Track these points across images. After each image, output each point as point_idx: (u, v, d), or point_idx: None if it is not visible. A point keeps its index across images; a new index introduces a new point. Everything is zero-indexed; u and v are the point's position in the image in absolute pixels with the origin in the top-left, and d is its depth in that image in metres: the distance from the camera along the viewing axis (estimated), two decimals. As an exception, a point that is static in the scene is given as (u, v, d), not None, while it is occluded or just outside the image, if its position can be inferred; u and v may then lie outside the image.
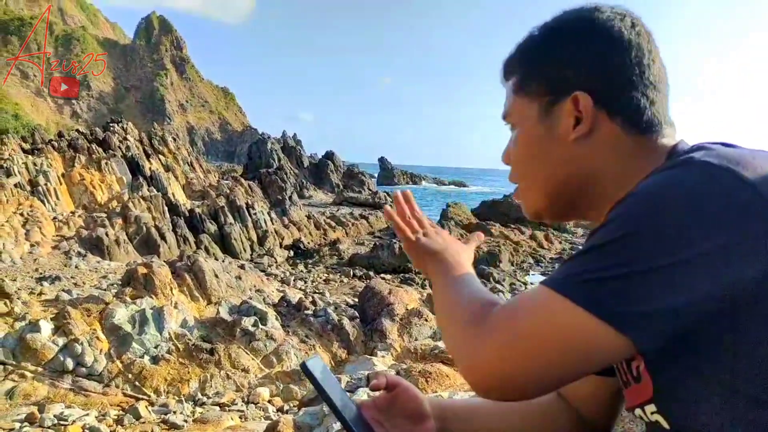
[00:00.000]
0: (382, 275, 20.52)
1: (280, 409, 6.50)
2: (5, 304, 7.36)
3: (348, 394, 1.03)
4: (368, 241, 27.76)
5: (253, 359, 7.37)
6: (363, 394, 3.30)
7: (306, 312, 8.92)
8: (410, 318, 8.67)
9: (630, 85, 0.78)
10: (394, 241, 22.58)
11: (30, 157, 24.39)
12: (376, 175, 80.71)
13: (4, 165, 21.85)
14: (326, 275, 20.31)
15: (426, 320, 8.59)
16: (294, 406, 6.61)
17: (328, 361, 8.02)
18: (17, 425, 4.86)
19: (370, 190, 47.69)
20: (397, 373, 3.70)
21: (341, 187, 48.66)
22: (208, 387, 6.76)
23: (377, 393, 1.04)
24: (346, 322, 8.46)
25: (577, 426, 1.00)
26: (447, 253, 0.93)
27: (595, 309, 0.62)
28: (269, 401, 6.70)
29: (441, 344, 4.81)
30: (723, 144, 0.74)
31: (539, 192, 0.88)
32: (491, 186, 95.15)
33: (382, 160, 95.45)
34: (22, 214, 17.87)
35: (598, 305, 0.63)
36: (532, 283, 19.75)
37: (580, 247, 0.74)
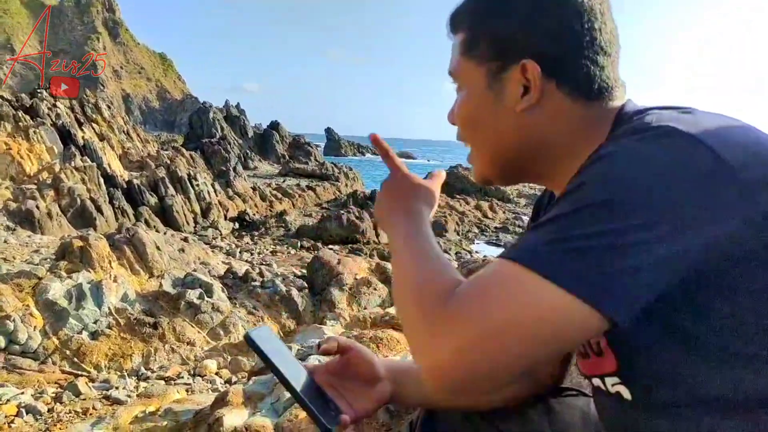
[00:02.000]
0: (330, 246, 20.49)
1: (228, 381, 6.43)
2: (-75, 281, 6.89)
3: (299, 361, 1.00)
4: (315, 213, 27.57)
5: (199, 332, 7.23)
6: (314, 361, 3.29)
7: (253, 283, 8.80)
8: (359, 287, 8.71)
9: (580, 52, 0.76)
10: (342, 212, 22.54)
11: (-53, 124, 22.58)
12: (322, 145, 79.81)
13: None
14: (273, 247, 20.09)
15: (375, 289, 8.66)
16: (242, 378, 6.55)
17: (277, 332, 7.97)
18: (-56, 407, 4.60)
19: (317, 161, 47.18)
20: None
21: (287, 158, 47.90)
22: (152, 361, 6.60)
23: (329, 358, 1.02)
24: (294, 292, 8.41)
25: (527, 384, 0.98)
26: (418, 200, 0.89)
27: (570, 284, 0.57)
28: (217, 373, 6.60)
29: (391, 311, 4.85)
30: (665, 107, 0.74)
31: (487, 158, 0.86)
32: (437, 158, 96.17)
33: (328, 130, 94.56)
34: (-60, 186, 16.62)
35: (573, 280, 0.58)
36: (477, 252, 20.22)
37: (538, 218, 0.72)
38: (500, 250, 19.94)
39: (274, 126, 52.81)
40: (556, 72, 0.76)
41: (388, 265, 9.64)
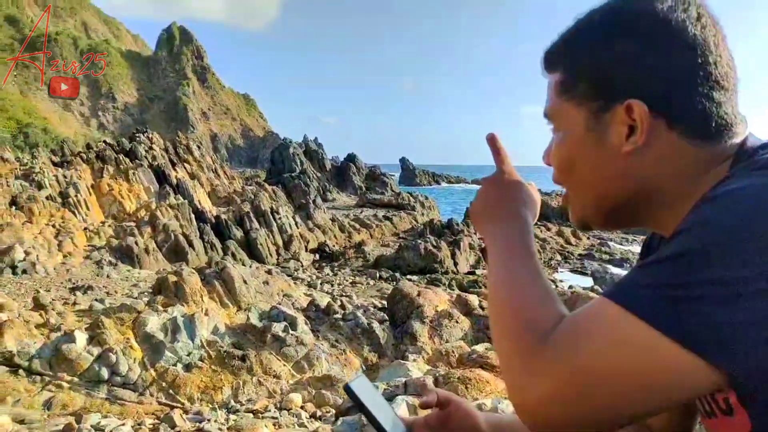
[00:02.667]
0: (409, 276, 20.45)
1: (312, 416, 6.46)
2: (41, 315, 7.48)
3: (394, 409, 0.97)
4: (393, 243, 27.71)
5: (284, 365, 7.35)
6: (402, 402, 3.21)
7: (335, 316, 8.88)
8: (440, 320, 8.56)
9: (693, 89, 0.68)
10: (419, 241, 22.49)
11: (60, 169, 24.94)
12: (397, 175, 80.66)
13: (36, 178, 22.36)
14: (352, 278, 20.31)
15: (457, 322, 8.48)
16: (326, 413, 6.56)
17: (359, 366, 7.97)
18: (56, 436, 4.91)
19: (392, 191, 47.66)
20: (435, 379, 3.61)
21: (364, 189, 48.74)
22: (240, 393, 6.75)
23: (427, 411, 0.98)
24: (375, 325, 8.39)
25: None
26: (524, 203, 0.82)
27: (678, 334, 0.52)
28: (302, 407, 6.66)
29: (478, 348, 4.70)
30: None
31: (588, 203, 0.79)
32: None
33: (403, 160, 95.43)
34: (54, 226, 18.25)
35: (681, 330, 0.52)
36: (561, 281, 19.42)
37: (648, 257, 0.65)
38: (586, 279, 19.09)
39: (351, 158, 54.07)
40: (666, 111, 0.68)
41: (470, 298, 9.44)
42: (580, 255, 24.71)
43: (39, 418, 5.45)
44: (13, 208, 18.00)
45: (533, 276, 0.71)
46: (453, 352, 7.91)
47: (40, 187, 21.91)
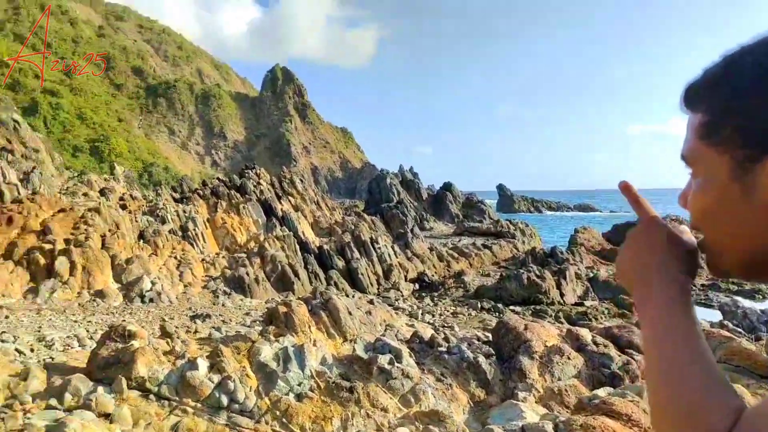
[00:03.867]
0: (512, 307, 19.85)
1: (421, 451, 6.37)
2: (167, 342, 8.06)
3: None
4: (494, 272, 27.10)
5: (391, 398, 7.34)
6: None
7: (439, 349, 8.77)
8: (550, 356, 8.17)
9: None
10: (521, 271, 21.81)
11: (180, 205, 27.15)
12: (494, 203, 79.28)
13: (160, 213, 24.50)
14: (453, 308, 20.05)
15: (569, 358, 8.05)
16: (435, 449, 6.45)
17: (466, 402, 7.78)
18: (183, 460, 5.19)
19: (491, 218, 46.86)
20: (555, 426, 3.43)
21: (461, 217, 48.36)
22: (350, 426, 6.82)
23: None
24: (482, 359, 8.17)
25: None
26: (678, 261, 0.73)
27: None
28: (410, 442, 6.59)
29: (600, 392, 4.40)
30: None
31: (729, 255, 0.71)
32: (621, 209, 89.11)
33: (500, 187, 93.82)
34: (175, 258, 19.81)
35: None
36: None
37: None
38: (713, 313, 17.43)
39: (447, 187, 54.01)
40: None
41: (582, 332, 8.95)
42: (702, 286, 22.69)
43: (168, 442, 5.81)
44: (141, 241, 19.78)
45: (696, 358, 0.64)
46: (567, 391, 7.51)
47: (163, 221, 23.97)
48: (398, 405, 7.37)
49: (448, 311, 19.47)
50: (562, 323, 14.76)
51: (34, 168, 24.99)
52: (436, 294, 23.27)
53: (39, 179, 24.21)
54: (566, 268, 22.27)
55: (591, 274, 23.36)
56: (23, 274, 15.10)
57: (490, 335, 13.65)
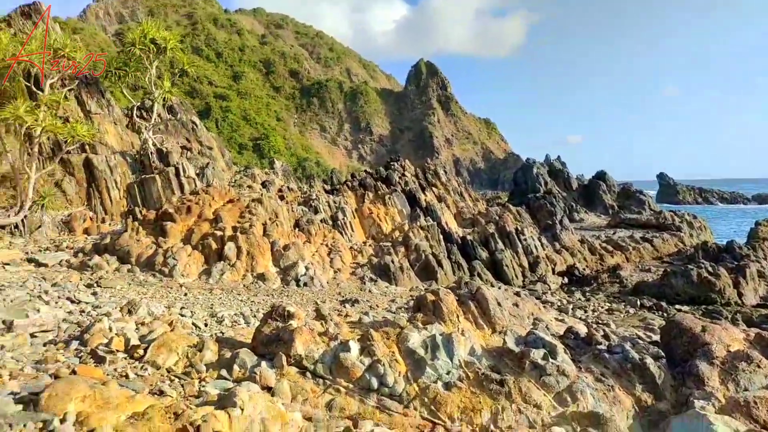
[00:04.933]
0: (677, 306, 17.90)
1: (580, 455, 5.89)
2: (322, 324, 8.40)
3: None
4: (655, 268, 24.68)
5: (545, 395, 6.90)
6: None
7: (599, 347, 8.07)
8: (735, 362, 7.10)
9: None
10: (690, 267, 19.55)
11: (330, 196, 28.57)
12: (654, 193, 72.38)
13: (313, 204, 25.99)
14: (608, 304, 18.58)
15: (758, 366, 6.93)
16: (596, 454, 5.92)
17: (631, 406, 7.06)
18: (337, 437, 5.32)
19: (651, 209, 42.81)
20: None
21: (616, 208, 44.82)
22: (500, 419, 6.53)
23: None
24: (649, 361, 7.36)
25: None
26: None
27: None
28: (567, 444, 6.13)
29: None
30: None
31: None
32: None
33: (661, 176, 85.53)
34: (326, 245, 20.86)
35: None
36: None
37: None
38: None
39: (600, 176, 50.39)
40: None
41: (776, 337, 7.66)
42: None
43: (323, 418, 6.01)
44: (296, 229, 21.12)
45: None
46: (756, 403, 6.47)
47: (316, 211, 25.40)
48: (553, 403, 6.91)
49: (602, 307, 18.08)
50: (749, 326, 12.92)
51: (208, 163, 27.90)
52: (587, 289, 21.80)
53: (212, 173, 26.98)
54: (746, 265, 19.49)
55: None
56: (199, 257, 16.92)
57: (653, 335, 12.37)
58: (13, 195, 19.55)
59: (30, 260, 14.96)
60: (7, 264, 14.04)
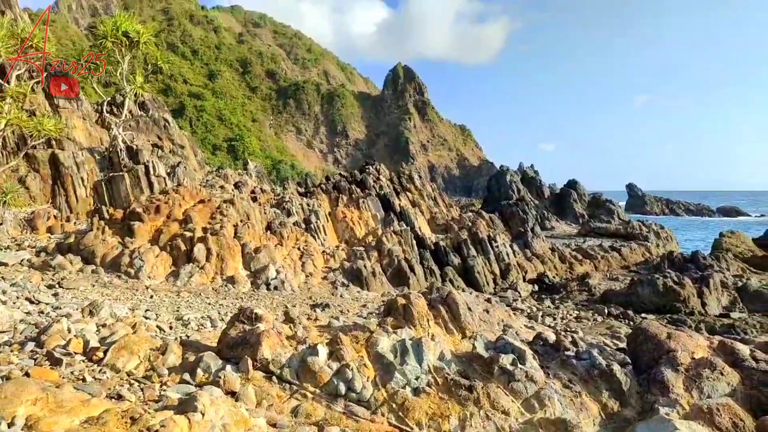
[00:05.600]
0: (644, 315, 18.21)
1: (546, 462, 5.89)
2: (290, 327, 8.26)
3: None
4: (623, 276, 25.12)
5: (513, 401, 6.89)
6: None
7: (567, 353, 8.12)
8: (699, 369, 7.21)
9: None
10: (656, 276, 19.94)
11: (304, 198, 28.35)
12: (623, 203, 73.85)
13: (286, 206, 25.73)
14: (576, 312, 18.82)
15: (721, 374, 7.05)
16: (561, 461, 5.93)
17: (597, 413, 7.10)
18: (302, 444, 5.20)
19: (620, 219, 43.66)
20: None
21: (586, 217, 45.60)
22: (468, 426, 6.49)
23: None
24: (616, 368, 7.43)
25: None
26: None
27: None
28: (533, 451, 6.12)
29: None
30: None
31: None
32: (777, 211, 78.92)
33: (630, 186, 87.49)
34: (299, 249, 20.65)
35: None
36: None
37: None
38: None
39: (572, 185, 51.24)
40: None
41: (738, 345, 7.81)
42: None
43: (288, 424, 5.89)
44: (268, 232, 20.86)
45: None
46: (719, 411, 6.57)
47: (288, 214, 25.15)
48: (521, 409, 6.91)
49: (571, 315, 18.30)
50: (712, 334, 13.19)
51: (179, 162, 27.40)
52: (557, 297, 22.05)
53: (183, 173, 26.49)
54: (710, 275, 19.97)
55: (740, 283, 20.73)
56: (167, 258, 16.54)
57: (619, 343, 12.53)
58: (-28, 190, 18.85)
59: (-12, 258, 14.41)
60: (-36, 261, 13.50)
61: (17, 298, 10.25)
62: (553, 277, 25.32)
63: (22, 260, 14.97)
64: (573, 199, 48.83)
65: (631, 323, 17.05)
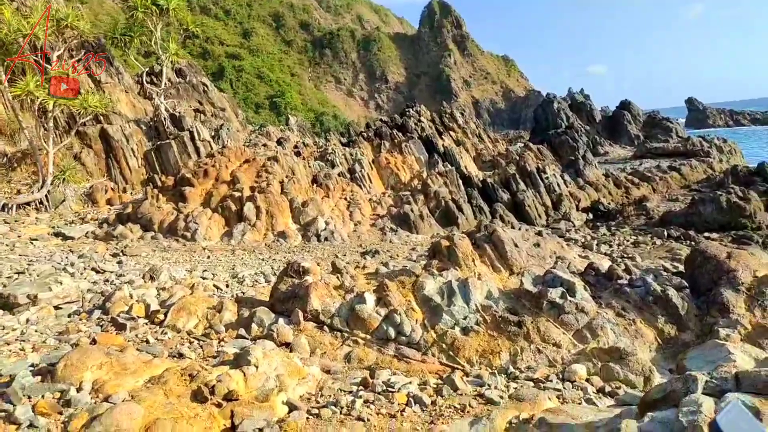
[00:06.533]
0: (707, 234, 17.47)
1: (600, 390, 5.86)
2: (338, 277, 8.40)
3: None
4: (683, 197, 24.06)
5: (564, 333, 6.83)
6: (734, 399, 2.45)
7: (620, 281, 7.91)
8: (762, 288, 6.88)
9: None
10: (719, 193, 18.96)
11: (347, 148, 28.32)
12: (683, 120, 69.98)
13: (329, 158, 25.82)
14: (634, 237, 18.26)
15: (787, 291, 6.71)
16: (617, 389, 5.87)
17: (653, 338, 6.94)
18: (354, 388, 5.37)
19: (679, 137, 41.44)
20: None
21: (642, 138, 43.52)
22: (519, 360, 6.50)
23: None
24: (672, 292, 7.18)
25: None
26: None
27: None
28: (587, 380, 6.09)
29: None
30: None
31: None
32: None
33: (690, 101, 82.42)
34: (345, 199, 20.82)
35: None
36: None
37: None
38: None
39: (625, 105, 48.73)
40: None
41: (805, 260, 7.38)
42: None
43: (341, 370, 6.06)
44: (314, 185, 21.08)
45: None
46: (784, 329, 6.29)
47: (333, 165, 25.25)
48: (572, 341, 6.84)
49: (628, 241, 17.78)
50: (775, 251, 12.59)
51: (222, 125, 27.78)
52: (613, 223, 21.41)
53: (227, 135, 26.89)
54: (779, 187, 18.80)
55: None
56: (219, 219, 17.08)
57: (680, 266, 12.11)
58: (34, 171, 19.85)
59: (57, 234, 15.29)
60: (35, 239, 14.38)
61: (84, 269, 10.88)
62: (608, 203, 24.54)
63: (86, 233, 15.81)
64: (627, 120, 46.52)
65: (693, 244, 16.41)
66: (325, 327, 7.10)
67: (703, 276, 7.50)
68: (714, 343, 4.61)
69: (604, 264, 10.71)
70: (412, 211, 20.26)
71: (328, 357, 6.62)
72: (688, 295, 7.44)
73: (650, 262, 14.09)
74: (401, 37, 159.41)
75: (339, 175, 23.62)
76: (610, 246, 17.17)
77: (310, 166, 23.10)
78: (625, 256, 15.28)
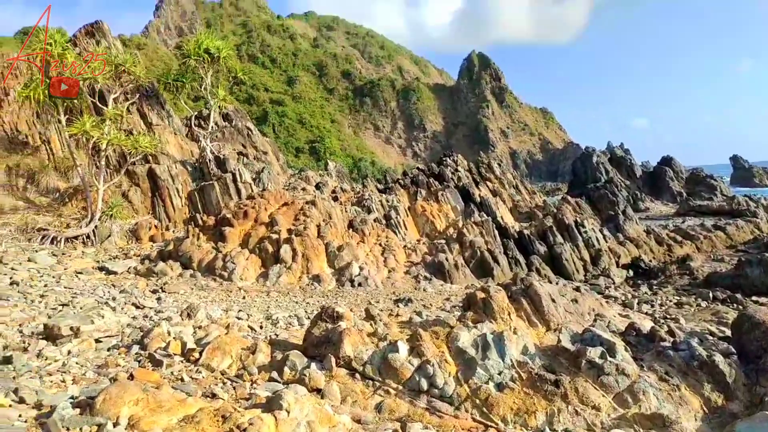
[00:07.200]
0: (755, 298, 16.75)
1: (642, 459, 5.59)
2: (371, 324, 8.37)
3: None
4: (729, 257, 23.22)
5: (603, 396, 6.58)
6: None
7: (663, 344, 7.63)
8: (817, 359, 6.53)
9: None
10: (767, 254, 18.23)
11: (383, 195, 28.64)
12: (728, 177, 68.31)
13: (366, 204, 26.12)
14: (677, 298, 17.63)
15: None
16: (660, 458, 5.60)
17: (699, 407, 6.62)
18: (386, 440, 5.27)
19: (723, 195, 40.36)
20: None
21: (684, 195, 42.54)
22: (556, 422, 6.28)
23: None
24: (718, 358, 6.88)
25: None
26: None
27: None
28: (628, 447, 5.83)
29: None
30: None
31: None
32: None
33: (734, 158, 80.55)
34: (380, 245, 20.90)
35: None
36: None
37: None
38: None
39: (667, 161, 48.00)
40: None
41: None
42: None
43: (372, 420, 5.97)
44: (350, 230, 21.28)
45: None
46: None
47: (369, 211, 25.52)
48: (612, 404, 6.58)
49: (670, 301, 17.17)
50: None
51: (263, 168, 28.58)
52: (655, 282, 20.76)
53: (268, 177, 27.61)
54: (833, 252, 17.98)
55: None
56: (256, 260, 17.34)
57: (727, 330, 11.60)
58: (84, 207, 20.72)
59: (101, 268, 15.79)
60: (80, 273, 14.87)
61: (125, 303, 11.15)
62: (650, 260, 23.88)
63: (129, 268, 16.27)
64: (669, 176, 45.70)
65: (740, 308, 15.71)
66: (356, 374, 7.04)
67: (752, 342, 7.17)
68: (764, 416, 4.37)
69: (646, 324, 10.36)
70: (446, 260, 20.15)
71: (359, 406, 6.54)
72: (735, 362, 7.11)
73: (695, 325, 13.56)
74: (440, 87, 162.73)
75: (375, 220, 23.81)
76: (652, 306, 16.61)
77: (346, 211, 23.39)
78: (668, 317, 14.74)
